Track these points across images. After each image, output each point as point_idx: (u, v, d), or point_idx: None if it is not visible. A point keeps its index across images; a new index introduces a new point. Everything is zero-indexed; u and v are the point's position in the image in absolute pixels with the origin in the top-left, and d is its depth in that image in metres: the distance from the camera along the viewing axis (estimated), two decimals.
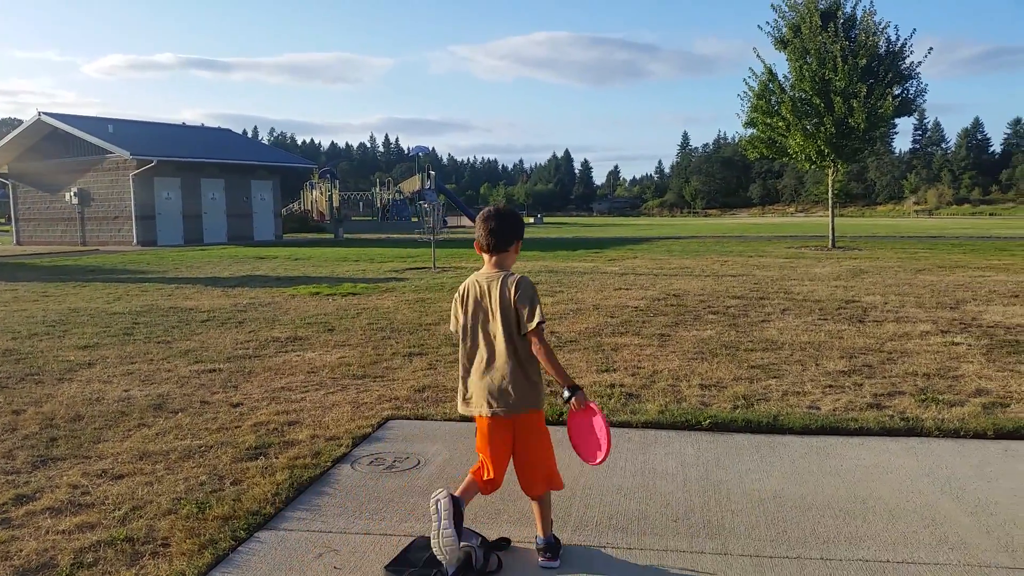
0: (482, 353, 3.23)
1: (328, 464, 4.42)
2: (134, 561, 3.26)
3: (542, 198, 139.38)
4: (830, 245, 23.75)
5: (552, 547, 3.25)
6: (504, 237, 3.22)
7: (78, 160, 31.27)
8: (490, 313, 3.21)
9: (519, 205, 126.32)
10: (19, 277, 16.87)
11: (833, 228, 24.57)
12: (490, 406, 3.21)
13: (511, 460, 3.34)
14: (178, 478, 4.21)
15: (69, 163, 31.57)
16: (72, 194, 31.47)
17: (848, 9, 22.75)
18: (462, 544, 3.16)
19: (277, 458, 4.51)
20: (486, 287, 3.21)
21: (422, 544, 3.32)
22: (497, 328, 3.19)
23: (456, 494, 3.16)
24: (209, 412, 5.55)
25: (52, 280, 15.98)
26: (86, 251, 27.63)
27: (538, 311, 3.11)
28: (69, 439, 4.94)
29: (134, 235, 29.85)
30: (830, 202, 25.08)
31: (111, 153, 29.88)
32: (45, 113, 31.52)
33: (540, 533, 3.28)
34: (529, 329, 3.12)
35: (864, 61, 21.71)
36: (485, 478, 3.30)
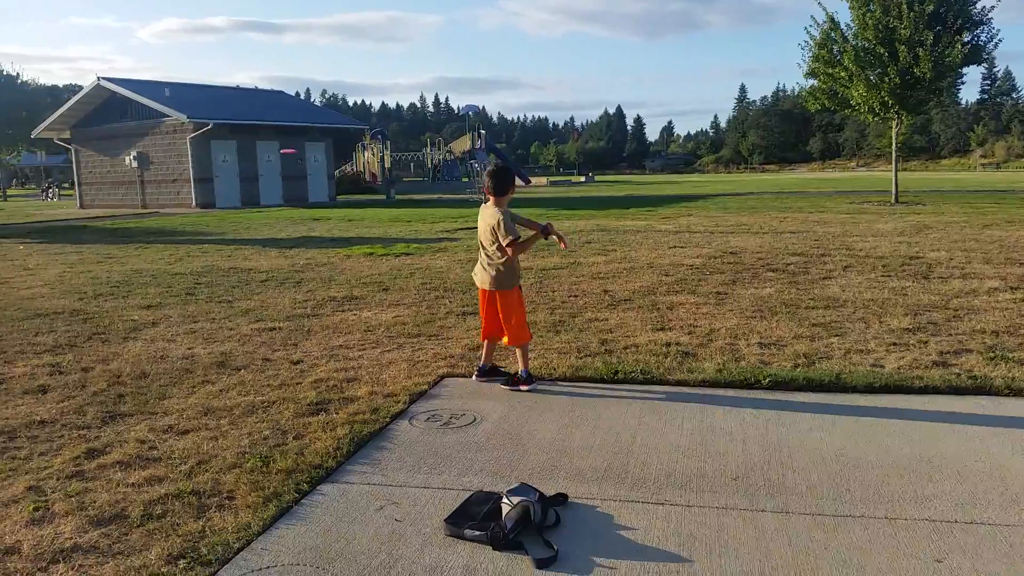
0: (480, 252, 5.24)
1: (387, 420, 4.48)
2: (201, 513, 3.35)
3: (594, 156, 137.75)
4: (893, 200, 23.04)
5: (528, 378, 5.12)
6: (498, 187, 5.05)
7: (137, 124, 31.87)
8: (480, 230, 5.19)
9: (571, 164, 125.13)
10: (83, 239, 17.37)
11: (896, 182, 23.81)
12: (481, 283, 5.25)
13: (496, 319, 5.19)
14: (242, 433, 4.32)
15: (128, 127, 32.20)
16: (131, 158, 32.14)
17: None
18: (520, 499, 3.18)
19: (337, 414, 4.58)
20: (483, 214, 5.15)
21: (480, 498, 3.35)
22: (483, 238, 5.14)
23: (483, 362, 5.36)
24: (271, 369, 5.66)
25: (115, 242, 16.42)
26: (146, 213, 28.29)
27: (504, 232, 4.90)
28: (136, 396, 5.09)
29: (193, 198, 30.43)
30: (893, 156, 24.27)
31: (168, 116, 30.38)
32: (104, 78, 32.11)
33: (520, 367, 5.15)
34: (503, 243, 4.93)
35: (931, 7, 20.79)
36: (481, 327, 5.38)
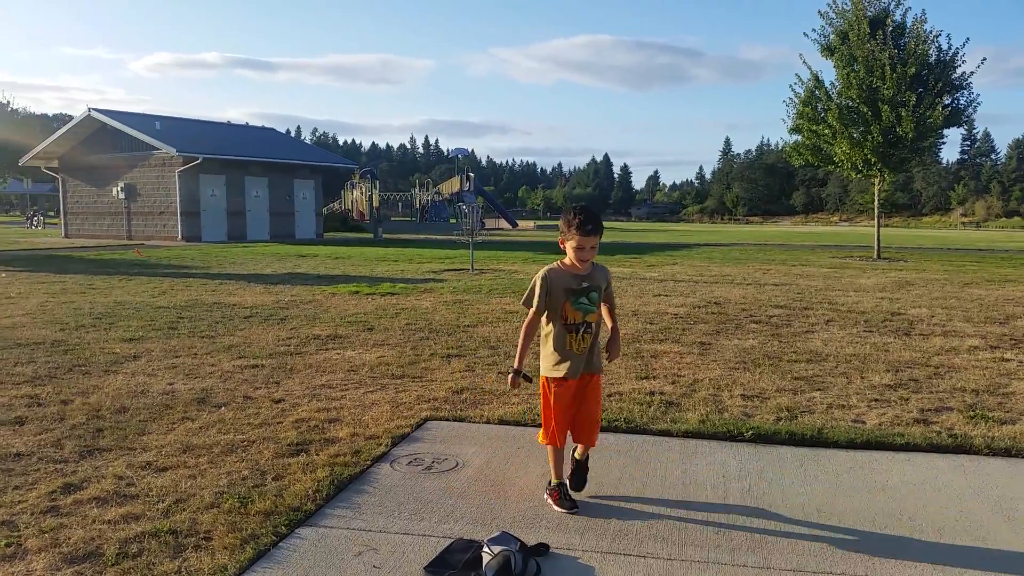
0: None
1: (368, 463, 4.44)
2: (177, 553, 3.30)
3: (580, 202, 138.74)
4: (875, 256, 23.33)
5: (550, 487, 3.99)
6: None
7: (126, 156, 31.92)
8: None
9: (558, 208, 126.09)
10: (67, 269, 17.26)
11: (879, 238, 24.14)
12: None
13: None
14: (221, 472, 4.27)
15: (117, 158, 32.24)
16: (119, 189, 32.13)
17: (898, 17, 22.34)
18: (501, 549, 3.16)
19: (318, 455, 4.54)
20: None
21: (461, 546, 3.32)
22: None
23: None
24: (252, 407, 5.62)
25: (98, 273, 16.32)
26: (132, 245, 28.17)
27: (525, 295, 3.90)
28: (115, 430, 5.03)
29: (179, 230, 30.38)
30: (876, 212, 24.64)
31: (158, 149, 30.46)
32: (95, 109, 32.24)
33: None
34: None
35: (913, 70, 21.30)
36: None
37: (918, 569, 3.26)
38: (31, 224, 48.92)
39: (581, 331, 3.81)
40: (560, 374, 3.82)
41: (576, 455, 4.05)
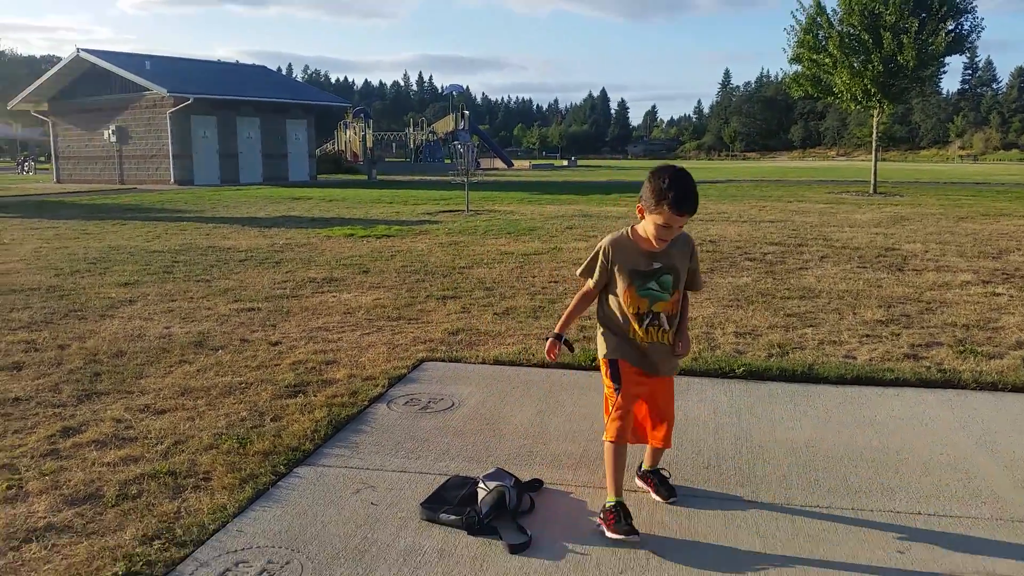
0: None
1: (365, 403, 4.50)
2: (176, 494, 3.36)
3: (577, 140, 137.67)
4: (871, 191, 23.25)
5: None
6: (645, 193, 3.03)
7: (116, 97, 31.43)
8: None
9: (554, 147, 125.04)
10: (60, 215, 17.17)
11: (876, 173, 24.02)
12: None
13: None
14: (219, 414, 4.32)
15: (107, 100, 31.75)
16: (110, 132, 31.72)
17: None
18: (496, 484, 3.22)
19: (315, 396, 4.60)
20: None
21: (456, 483, 3.39)
22: None
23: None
24: (249, 350, 5.66)
25: (91, 218, 16.24)
26: (124, 189, 27.96)
27: (585, 264, 3.27)
28: (112, 374, 5.07)
29: (171, 174, 30.11)
30: (873, 145, 24.48)
31: (148, 90, 29.98)
32: (83, 49, 31.61)
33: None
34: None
35: None
36: None
37: (903, 502, 3.33)
38: (22, 170, 48.45)
39: (646, 322, 3.10)
40: (616, 356, 3.14)
41: (645, 465, 3.46)
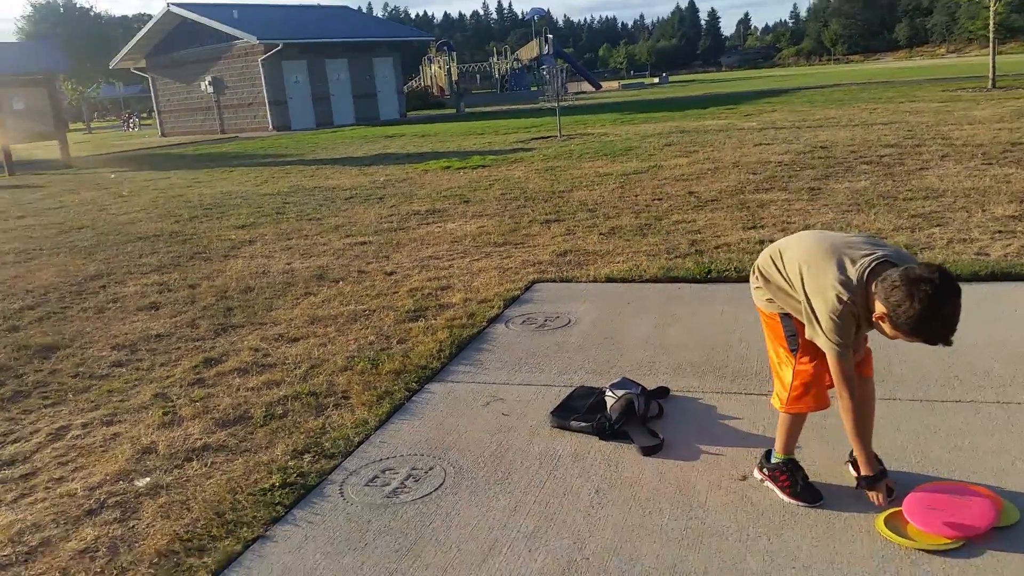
0: None
1: (483, 324, 4.59)
2: (319, 412, 3.54)
3: (666, 55, 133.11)
4: (990, 85, 21.64)
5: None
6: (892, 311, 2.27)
7: (208, 48, 32.19)
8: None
9: (642, 65, 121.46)
10: (169, 166, 17.90)
11: (994, 66, 22.32)
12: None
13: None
14: (348, 339, 4.50)
15: (200, 52, 32.56)
16: (207, 83, 32.62)
17: None
18: (624, 392, 3.25)
19: (435, 319, 4.72)
20: None
21: (583, 392, 3.43)
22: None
23: None
24: (367, 280, 5.83)
25: (200, 167, 16.88)
26: (226, 138, 28.86)
27: (826, 330, 2.40)
28: (244, 308, 5.33)
29: (269, 121, 30.83)
30: (991, 35, 22.69)
31: (239, 39, 30.55)
32: (173, 3, 32.38)
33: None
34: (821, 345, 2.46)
35: None
36: None
37: None
38: (127, 126, 50.55)
39: None
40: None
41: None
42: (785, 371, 2.60)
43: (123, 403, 3.81)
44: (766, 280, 2.63)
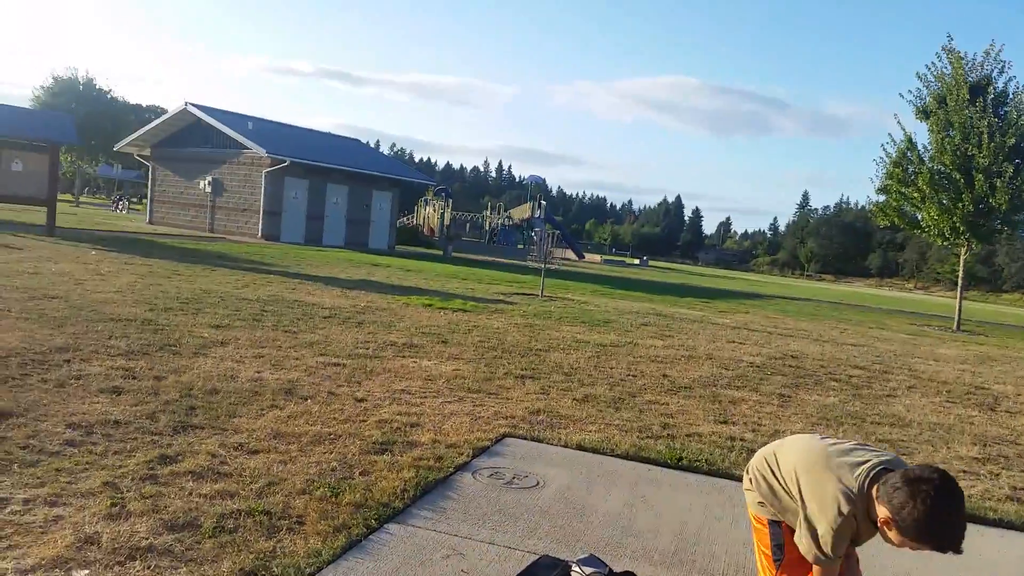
0: None
1: (451, 470, 4.48)
2: (272, 534, 3.37)
3: (647, 240, 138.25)
4: (955, 327, 22.60)
5: None
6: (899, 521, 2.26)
7: (215, 151, 32.99)
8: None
9: (624, 245, 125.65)
10: (152, 254, 17.86)
11: (960, 309, 23.38)
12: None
13: None
14: (310, 461, 4.36)
15: (207, 153, 33.34)
16: (206, 183, 33.18)
17: (1000, 85, 21.77)
18: (592, 571, 3.15)
19: (402, 456, 4.60)
20: None
21: (548, 563, 3.32)
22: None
23: None
24: (336, 403, 5.72)
25: (183, 261, 16.85)
26: (213, 237, 29.03)
27: (811, 544, 2.41)
28: (207, 410, 5.18)
29: (259, 228, 31.19)
30: (960, 282, 23.89)
31: (248, 149, 31.40)
32: (191, 103, 33.44)
33: None
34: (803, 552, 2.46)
35: (1013, 140, 20.67)
36: None
37: None
38: (116, 208, 50.85)
39: None
40: (774, 516, 2.64)
41: None
42: None
43: (70, 485, 3.62)
44: (759, 483, 2.62)
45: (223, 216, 32.87)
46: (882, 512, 2.21)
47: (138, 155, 37.03)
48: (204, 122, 32.97)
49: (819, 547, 2.31)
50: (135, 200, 57.72)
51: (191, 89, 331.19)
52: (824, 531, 2.31)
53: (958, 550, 2.14)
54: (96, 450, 4.17)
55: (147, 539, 3.17)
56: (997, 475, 5.81)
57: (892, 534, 2.21)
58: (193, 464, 4.12)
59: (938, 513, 2.10)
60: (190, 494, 3.72)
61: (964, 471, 5.81)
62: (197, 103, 33.68)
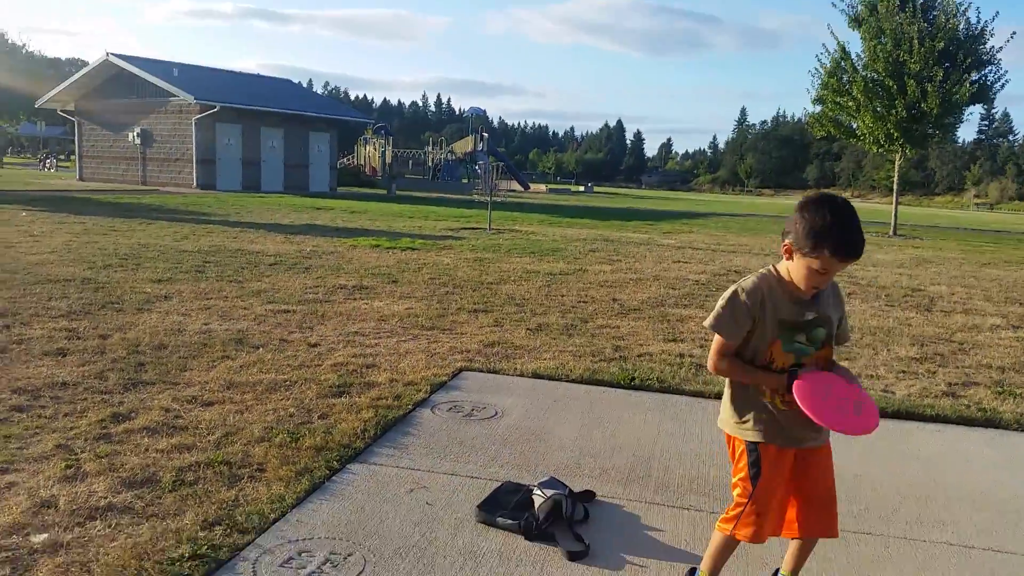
0: None
1: (409, 407, 4.52)
2: (233, 483, 3.38)
3: (592, 167, 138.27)
4: (891, 232, 23.25)
5: None
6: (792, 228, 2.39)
7: (143, 101, 31.75)
8: None
9: (569, 173, 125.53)
10: (86, 211, 17.29)
11: (896, 215, 24.02)
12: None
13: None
14: (267, 408, 4.35)
15: (133, 104, 32.07)
16: (135, 134, 32.02)
17: None
18: (553, 492, 3.23)
19: (360, 397, 4.62)
20: None
21: (510, 488, 3.40)
22: None
23: None
24: (289, 350, 5.69)
25: (117, 215, 16.36)
26: (147, 190, 28.17)
27: (713, 315, 2.49)
28: (156, 365, 5.11)
29: (194, 178, 30.33)
30: (895, 188, 24.49)
31: (175, 96, 30.27)
32: (113, 54, 31.98)
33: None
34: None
35: (942, 44, 20.99)
36: None
37: (957, 536, 3.33)
38: (44, 166, 48.85)
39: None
40: (752, 437, 2.52)
41: (785, 570, 2.74)
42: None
43: (21, 451, 3.56)
44: None
45: (156, 167, 31.87)
46: (785, 246, 2.41)
47: (62, 111, 35.49)
48: (128, 72, 31.63)
49: (713, 316, 2.46)
50: (63, 157, 55.44)
51: (110, 40, 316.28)
52: (720, 303, 2.45)
53: (856, 251, 2.30)
54: (45, 413, 4.10)
55: (106, 498, 3.15)
56: (934, 373, 6.07)
57: (798, 263, 2.36)
58: (147, 420, 4.08)
59: (827, 215, 2.28)
60: (146, 450, 3.69)
61: (903, 371, 6.05)
62: (119, 53, 32.23)
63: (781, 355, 2.46)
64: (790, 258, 2.40)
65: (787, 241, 2.39)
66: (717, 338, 2.47)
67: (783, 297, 2.44)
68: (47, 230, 12.80)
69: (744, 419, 2.53)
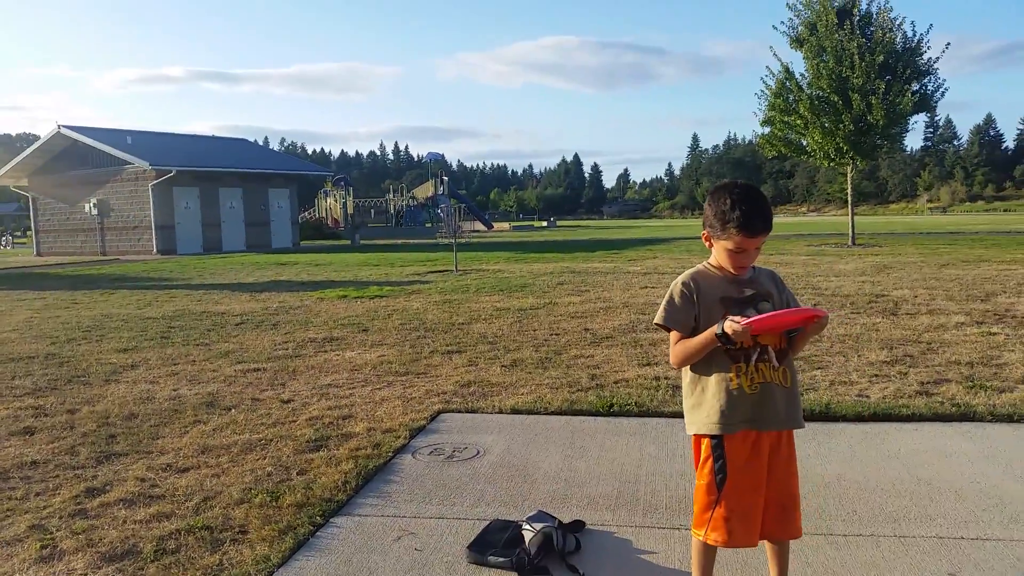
0: None
1: (390, 454, 4.47)
2: (215, 548, 3.30)
3: (553, 202, 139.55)
4: (850, 242, 23.68)
5: None
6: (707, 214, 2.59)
7: (97, 171, 31.54)
8: None
9: (531, 210, 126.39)
10: (46, 286, 17.03)
11: (853, 225, 24.49)
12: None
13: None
14: (244, 470, 4.27)
15: (88, 174, 31.85)
16: (91, 205, 31.73)
17: (864, 6, 22.69)
18: (542, 525, 3.21)
19: (338, 449, 4.56)
20: None
21: (499, 526, 3.36)
22: None
23: None
24: (262, 408, 5.61)
25: (79, 288, 16.13)
26: (107, 260, 27.83)
27: (660, 312, 2.61)
28: (128, 435, 5.01)
29: (154, 244, 30.06)
30: (850, 199, 25.02)
31: (130, 164, 30.12)
32: (64, 126, 31.80)
33: None
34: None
35: (881, 58, 21.67)
36: None
37: (944, 528, 3.35)
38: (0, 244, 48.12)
39: (753, 358, 2.51)
40: (719, 429, 2.51)
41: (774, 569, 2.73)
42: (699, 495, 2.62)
43: None
44: None
45: (114, 237, 31.55)
46: (703, 235, 2.63)
47: (15, 187, 35.12)
48: (81, 143, 31.48)
49: (659, 311, 2.61)
50: (19, 234, 54.68)
51: (61, 111, 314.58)
52: (663, 300, 2.62)
53: (760, 225, 2.47)
54: (16, 495, 3.98)
55: (85, 575, 3.06)
56: (905, 374, 6.15)
57: (717, 247, 2.56)
58: (122, 492, 3.98)
59: (727, 198, 2.48)
60: (124, 522, 3.60)
61: (876, 375, 6.13)
62: (70, 124, 32.04)
63: None
64: (711, 246, 2.61)
65: (705, 230, 2.61)
66: (672, 334, 2.60)
67: (719, 280, 2.59)
68: (6, 308, 12.56)
69: (707, 410, 2.55)
